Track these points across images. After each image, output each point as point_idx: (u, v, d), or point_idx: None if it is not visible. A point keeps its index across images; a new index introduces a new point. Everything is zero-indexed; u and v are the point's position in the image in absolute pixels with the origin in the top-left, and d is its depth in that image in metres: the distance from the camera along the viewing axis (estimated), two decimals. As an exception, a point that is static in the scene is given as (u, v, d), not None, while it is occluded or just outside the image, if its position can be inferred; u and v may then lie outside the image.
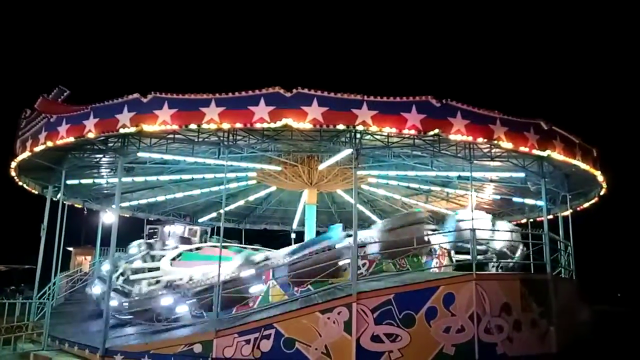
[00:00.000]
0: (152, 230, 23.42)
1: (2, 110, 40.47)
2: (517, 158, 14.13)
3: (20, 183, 16.84)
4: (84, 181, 17.81)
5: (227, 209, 23.03)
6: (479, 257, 14.71)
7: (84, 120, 12.50)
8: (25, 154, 14.03)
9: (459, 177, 18.30)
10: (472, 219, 13.53)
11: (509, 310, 12.02)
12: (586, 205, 18.36)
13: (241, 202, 24.02)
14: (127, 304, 13.85)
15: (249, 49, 69.74)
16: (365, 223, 23.92)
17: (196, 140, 13.46)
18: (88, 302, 16.46)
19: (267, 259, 14.13)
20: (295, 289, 13.15)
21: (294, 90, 11.62)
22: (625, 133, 44.34)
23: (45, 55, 61.67)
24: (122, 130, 12.10)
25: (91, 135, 12.47)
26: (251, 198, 23.65)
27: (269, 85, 11.62)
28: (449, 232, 15.56)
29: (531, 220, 20.94)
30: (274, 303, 12.55)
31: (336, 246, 13.60)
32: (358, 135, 12.75)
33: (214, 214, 25.23)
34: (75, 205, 20.10)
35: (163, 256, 15.44)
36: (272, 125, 11.62)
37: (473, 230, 13.09)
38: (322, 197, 21.64)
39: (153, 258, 15.69)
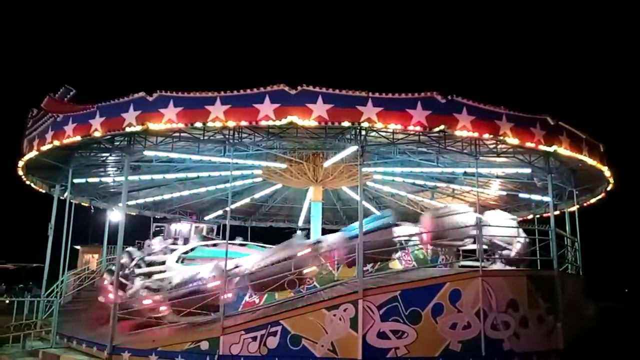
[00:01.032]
0: (158, 229, 23.55)
1: (9, 109, 40.80)
2: (523, 154, 14.08)
3: (27, 182, 16.92)
4: (90, 180, 17.89)
5: (233, 206, 23.06)
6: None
7: (90, 119, 12.54)
8: (32, 153, 14.11)
9: (465, 174, 18.25)
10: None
11: (516, 307, 12.00)
12: (593, 200, 18.25)
13: (247, 200, 24.07)
14: None
15: (254, 46, 69.78)
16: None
17: (202, 138, 13.49)
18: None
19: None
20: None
21: (299, 88, 11.60)
22: (632, 128, 44.09)
23: (52, 54, 61.99)
24: (128, 129, 12.12)
25: (97, 134, 12.51)
26: (257, 196, 23.69)
27: (274, 83, 11.61)
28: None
29: (537, 216, 20.87)
30: (279, 300, 12.58)
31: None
32: (363, 132, 12.73)
33: (220, 212, 25.30)
34: (82, 204, 20.20)
35: None
36: (277, 122, 11.61)
37: (479, 226, 13.07)
38: (327, 194, 21.64)
39: None
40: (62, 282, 17.46)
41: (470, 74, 57.84)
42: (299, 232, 14.77)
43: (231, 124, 11.82)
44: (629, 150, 36.47)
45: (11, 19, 56.37)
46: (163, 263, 15.62)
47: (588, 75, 56.96)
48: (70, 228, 16.63)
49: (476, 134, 12.26)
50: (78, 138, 12.80)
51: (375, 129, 12.38)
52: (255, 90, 11.63)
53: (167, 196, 22.20)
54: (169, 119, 11.77)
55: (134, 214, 23.49)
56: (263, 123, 11.73)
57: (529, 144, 12.72)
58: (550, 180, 14.02)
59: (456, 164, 17.21)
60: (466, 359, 11.31)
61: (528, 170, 15.55)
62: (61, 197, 16.81)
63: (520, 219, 21.73)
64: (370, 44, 69.95)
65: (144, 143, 13.52)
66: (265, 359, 11.18)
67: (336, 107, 11.56)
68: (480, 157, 13.84)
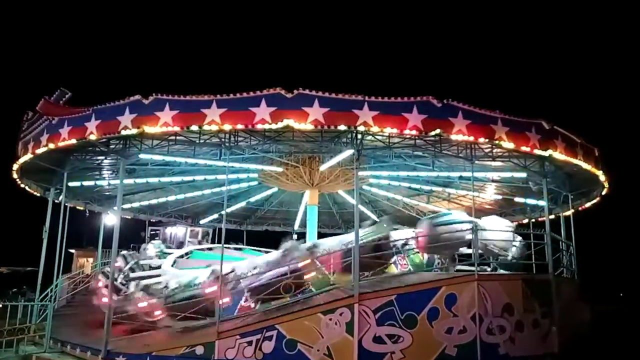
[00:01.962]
0: (153, 232, 23.46)
1: (4, 112, 40.63)
2: (518, 158, 14.12)
3: (22, 185, 16.85)
4: (85, 183, 17.81)
5: (228, 210, 23.01)
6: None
7: (85, 122, 12.52)
8: (27, 156, 14.04)
9: (461, 178, 18.27)
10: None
11: (511, 311, 12.00)
12: (588, 205, 18.32)
13: (243, 204, 24.02)
14: None
15: (250, 50, 69.84)
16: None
17: (197, 141, 13.46)
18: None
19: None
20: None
21: (295, 91, 11.61)
22: (627, 132, 44.37)
23: (47, 57, 61.89)
24: (123, 132, 12.10)
25: (93, 137, 12.47)
26: (253, 199, 23.65)
27: (270, 86, 11.62)
28: None
29: (533, 220, 20.93)
30: (275, 305, 12.54)
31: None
32: (359, 136, 12.74)
33: (215, 216, 25.23)
34: (77, 207, 20.12)
35: None
36: (274, 126, 11.61)
37: (475, 231, 13.09)
38: (323, 198, 21.63)
39: None
40: (56, 286, 17.35)
41: (465, 79, 58.14)
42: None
43: (227, 127, 11.82)
44: (624, 154, 36.67)
45: (7, 21, 56.26)
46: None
47: (583, 79, 57.34)
48: (64, 231, 16.54)
49: (472, 138, 12.29)
50: (73, 141, 12.76)
51: (371, 132, 12.40)
52: (251, 93, 11.64)
53: (162, 200, 22.13)
54: (164, 122, 11.76)
55: (129, 217, 23.39)
56: (259, 126, 11.72)
57: (524, 148, 12.77)
58: (546, 185, 14.07)
59: (452, 168, 17.24)
60: (462, 364, 11.29)
61: (523, 175, 15.60)
62: (56, 201, 16.72)
63: (516, 222, 21.85)
64: (367, 48, 70.23)
65: (139, 146, 13.48)
66: (260, 364, 11.13)
67: (332, 110, 11.57)
68: (476, 161, 13.88)
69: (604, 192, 16.95)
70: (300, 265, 12.85)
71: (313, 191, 18.83)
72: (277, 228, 28.28)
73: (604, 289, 31.33)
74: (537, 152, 12.92)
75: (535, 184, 15.66)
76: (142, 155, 14.32)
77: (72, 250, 25.62)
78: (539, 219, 20.11)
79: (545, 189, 14.07)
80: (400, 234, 15.21)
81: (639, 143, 44.34)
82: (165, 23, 69.22)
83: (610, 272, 36.11)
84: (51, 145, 13.06)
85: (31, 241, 19.56)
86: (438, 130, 11.97)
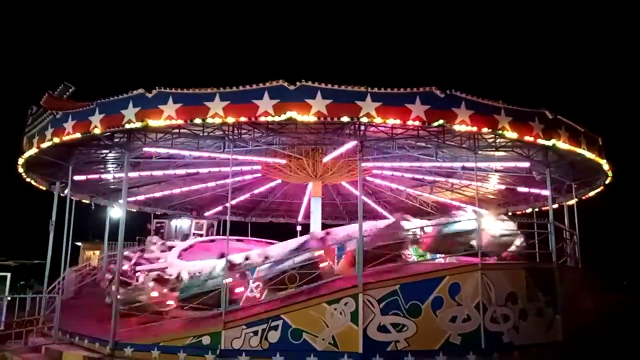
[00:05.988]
0: (159, 225, 23.65)
1: (8, 107, 40.78)
2: (521, 148, 14.12)
3: (27, 179, 16.97)
4: (90, 177, 17.93)
5: (233, 202, 23.11)
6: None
7: (89, 116, 12.55)
8: (32, 151, 14.13)
9: (463, 168, 18.28)
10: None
11: (515, 300, 12.07)
12: (591, 194, 18.32)
13: (247, 196, 24.12)
14: None
15: (253, 43, 69.64)
16: (370, 215, 24.01)
17: (201, 134, 13.51)
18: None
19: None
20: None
21: (298, 84, 11.59)
22: (631, 122, 44.15)
23: (51, 52, 61.89)
24: (127, 126, 12.13)
25: (97, 131, 12.51)
26: (256, 191, 23.74)
27: (273, 79, 11.61)
28: None
29: (536, 209, 20.95)
30: (280, 294, 12.64)
31: None
32: (362, 127, 12.76)
33: (220, 208, 25.35)
34: (83, 201, 20.26)
35: None
36: (277, 118, 11.60)
37: (478, 220, 13.13)
38: (327, 189, 21.69)
39: None
40: (63, 278, 17.53)
41: (468, 69, 57.88)
42: None
43: (230, 120, 11.82)
44: (628, 143, 36.54)
45: (10, 16, 56.25)
46: None
47: (586, 69, 56.97)
48: (71, 225, 16.69)
49: (475, 129, 12.24)
50: (78, 135, 12.81)
51: (374, 124, 12.41)
52: (254, 86, 11.64)
53: (167, 192, 22.25)
54: (168, 115, 11.79)
55: (135, 210, 23.54)
56: (262, 119, 11.73)
57: (527, 138, 12.71)
58: (549, 174, 14.05)
59: (455, 159, 17.25)
60: (466, 352, 11.38)
61: (527, 164, 15.59)
62: (62, 194, 16.85)
63: (519, 212, 21.86)
64: (369, 39, 69.90)
65: (143, 139, 13.55)
66: (266, 353, 11.26)
67: (335, 102, 11.55)
68: (479, 152, 13.88)
69: (607, 181, 16.93)
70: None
71: (316, 183, 18.89)
72: (282, 219, 28.43)
73: (607, 277, 31.37)
74: (541, 141, 12.86)
75: (539, 173, 15.67)
76: (146, 149, 14.38)
77: (79, 243, 25.85)
78: (543, 208, 20.14)
79: (548, 179, 14.06)
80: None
81: (643, 132, 44.01)
82: (167, 17, 69.07)
83: (614, 261, 36.12)
84: (56, 140, 13.13)
85: (38, 234, 19.73)
86: (441, 121, 11.93)
